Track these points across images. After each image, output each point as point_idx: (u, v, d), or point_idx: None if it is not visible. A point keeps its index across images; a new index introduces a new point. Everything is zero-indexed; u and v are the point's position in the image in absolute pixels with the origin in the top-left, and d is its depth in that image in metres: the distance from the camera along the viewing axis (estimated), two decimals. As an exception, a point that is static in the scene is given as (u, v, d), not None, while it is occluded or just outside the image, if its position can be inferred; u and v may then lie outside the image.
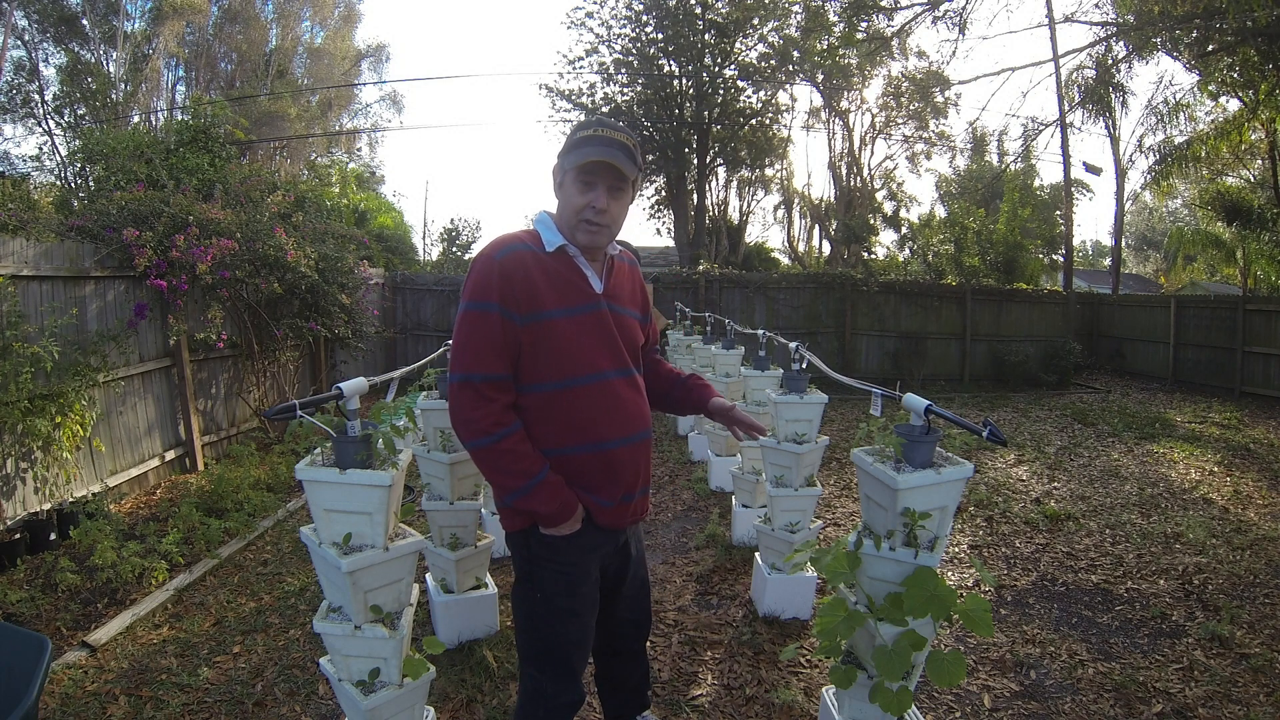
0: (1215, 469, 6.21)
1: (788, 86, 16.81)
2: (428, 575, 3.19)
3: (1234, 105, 12.70)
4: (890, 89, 19.33)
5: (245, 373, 6.49)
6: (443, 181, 64.95)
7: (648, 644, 2.28)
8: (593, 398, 1.64)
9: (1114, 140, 17.86)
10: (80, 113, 17.64)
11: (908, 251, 19.98)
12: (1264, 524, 4.73)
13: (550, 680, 1.75)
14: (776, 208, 24.14)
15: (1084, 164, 16.51)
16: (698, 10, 13.99)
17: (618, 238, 1.75)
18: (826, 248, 22.17)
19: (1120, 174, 18.02)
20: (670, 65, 14.62)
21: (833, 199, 21.97)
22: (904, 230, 21.01)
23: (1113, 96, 15.62)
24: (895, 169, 22.34)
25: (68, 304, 4.53)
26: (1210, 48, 11.06)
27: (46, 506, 4.16)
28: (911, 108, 19.43)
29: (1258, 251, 13.20)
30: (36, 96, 18.35)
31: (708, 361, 5.75)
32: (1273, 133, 12.38)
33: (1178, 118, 13.84)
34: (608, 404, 1.66)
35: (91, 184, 10.11)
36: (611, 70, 14.88)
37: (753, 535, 3.95)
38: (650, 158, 15.10)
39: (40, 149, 18.76)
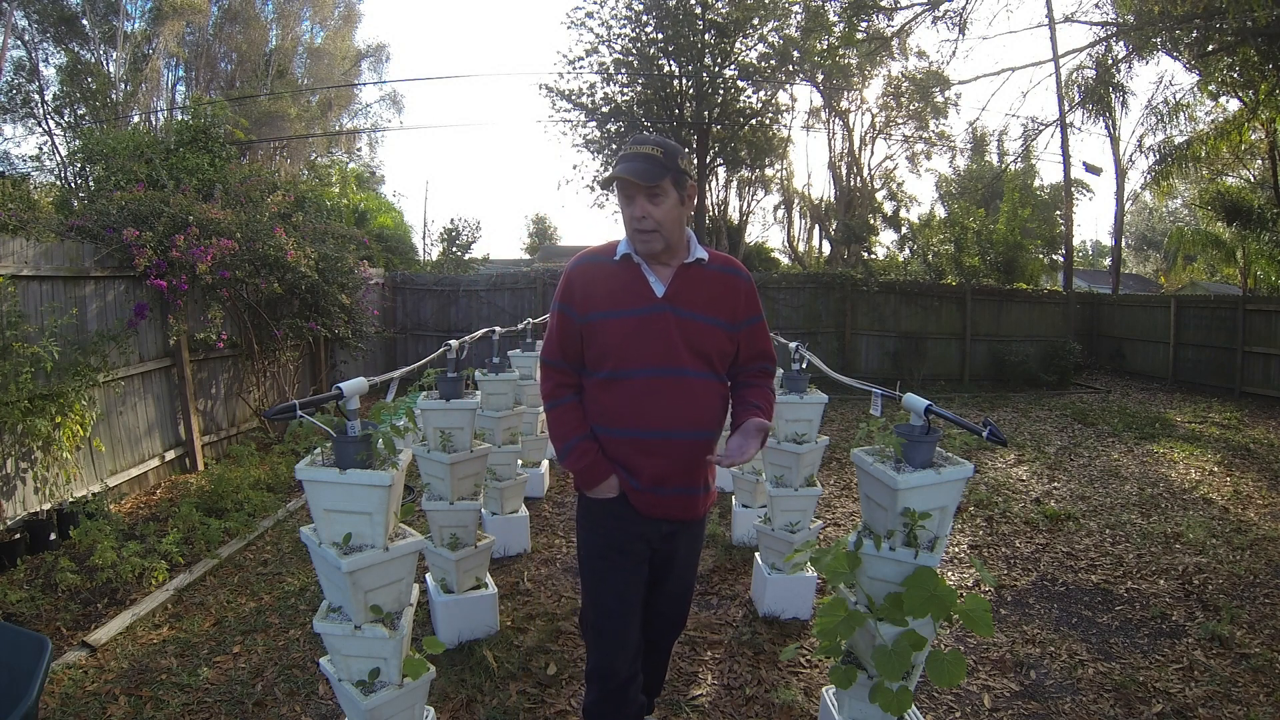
0: (1215, 469, 6.21)
1: (788, 86, 16.76)
2: (428, 575, 3.19)
3: (1234, 105, 12.71)
4: (890, 89, 19.30)
5: (245, 373, 6.49)
6: (443, 181, 65.07)
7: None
8: (630, 390, 1.80)
9: (1114, 140, 17.86)
10: (80, 113, 17.63)
11: (908, 251, 19.93)
12: (1264, 524, 4.73)
13: (586, 638, 1.97)
14: (776, 208, 24.10)
15: (1084, 164, 16.54)
16: (698, 10, 13.96)
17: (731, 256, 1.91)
18: (826, 248, 22.16)
19: (1120, 174, 18.03)
20: (670, 65, 14.59)
21: (833, 199, 21.96)
22: (904, 230, 20.97)
23: (1113, 96, 15.61)
24: (895, 169, 22.32)
25: (68, 304, 4.53)
26: (1210, 48, 11.06)
27: (46, 506, 4.16)
28: (911, 108, 19.40)
29: (1258, 251, 13.20)
30: (36, 96, 18.34)
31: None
32: (1273, 133, 12.38)
33: (1178, 118, 13.85)
34: (643, 398, 1.79)
35: (91, 184, 10.10)
36: (611, 70, 14.84)
37: (753, 535, 3.95)
38: None
39: (40, 149, 18.74)
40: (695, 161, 15.80)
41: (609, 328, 1.80)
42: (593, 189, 15.85)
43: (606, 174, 1.76)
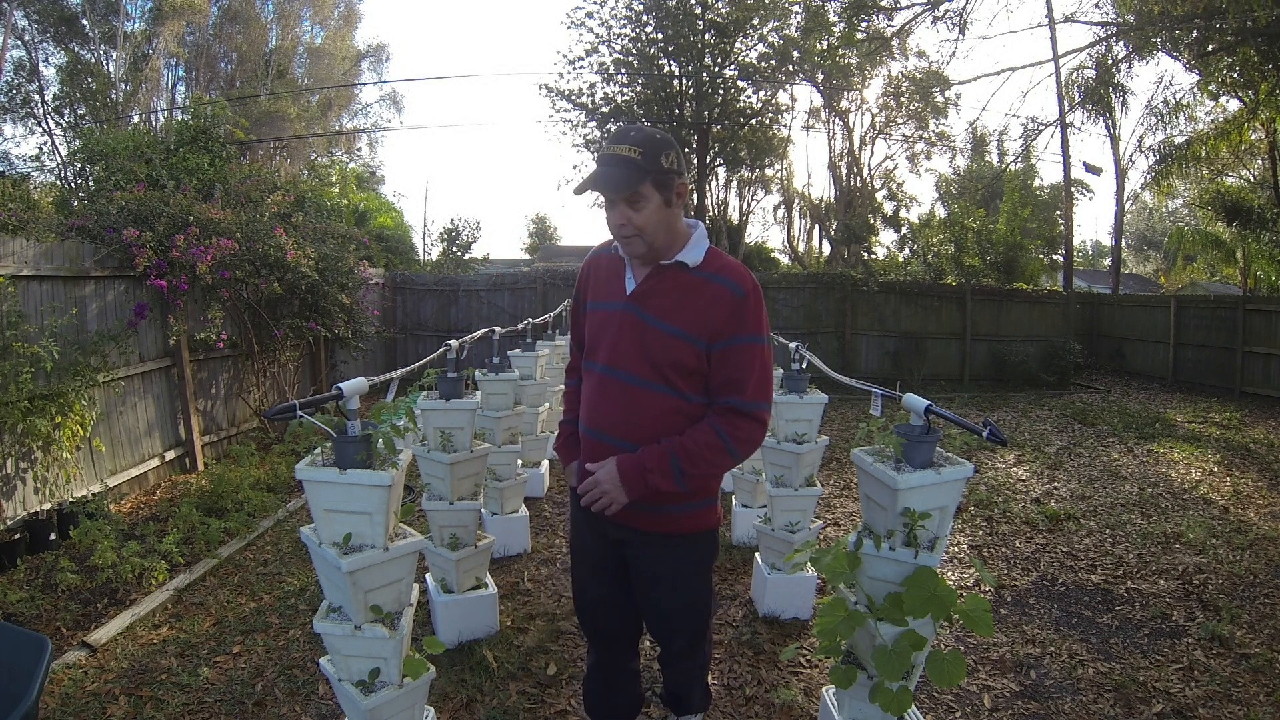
0: (1215, 469, 6.20)
1: (788, 86, 16.77)
2: (428, 575, 3.18)
3: (1234, 105, 12.71)
4: (890, 89, 19.30)
5: (245, 373, 6.49)
6: (443, 181, 65.28)
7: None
8: (589, 384, 1.85)
9: (1114, 140, 17.86)
10: (80, 113, 17.64)
11: (908, 251, 19.94)
12: (1264, 524, 4.73)
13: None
14: (776, 208, 24.09)
15: (1084, 164, 16.55)
16: (698, 10, 13.97)
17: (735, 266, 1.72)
18: (826, 248, 22.16)
19: (1120, 174, 18.03)
20: (670, 65, 14.60)
21: (833, 199, 21.95)
22: (904, 230, 20.98)
23: (1113, 96, 15.62)
24: (895, 169, 22.31)
25: (68, 304, 4.53)
26: (1210, 48, 11.06)
27: (46, 506, 4.16)
28: (911, 108, 19.40)
29: (1258, 251, 13.20)
30: (36, 96, 18.35)
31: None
32: (1273, 133, 12.38)
33: (1178, 118, 13.85)
34: (595, 394, 1.81)
35: (91, 184, 10.11)
36: (611, 70, 14.85)
37: (753, 535, 3.95)
38: None
39: (40, 149, 18.75)
40: (695, 161, 15.82)
41: (593, 318, 1.84)
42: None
43: (589, 178, 1.64)
